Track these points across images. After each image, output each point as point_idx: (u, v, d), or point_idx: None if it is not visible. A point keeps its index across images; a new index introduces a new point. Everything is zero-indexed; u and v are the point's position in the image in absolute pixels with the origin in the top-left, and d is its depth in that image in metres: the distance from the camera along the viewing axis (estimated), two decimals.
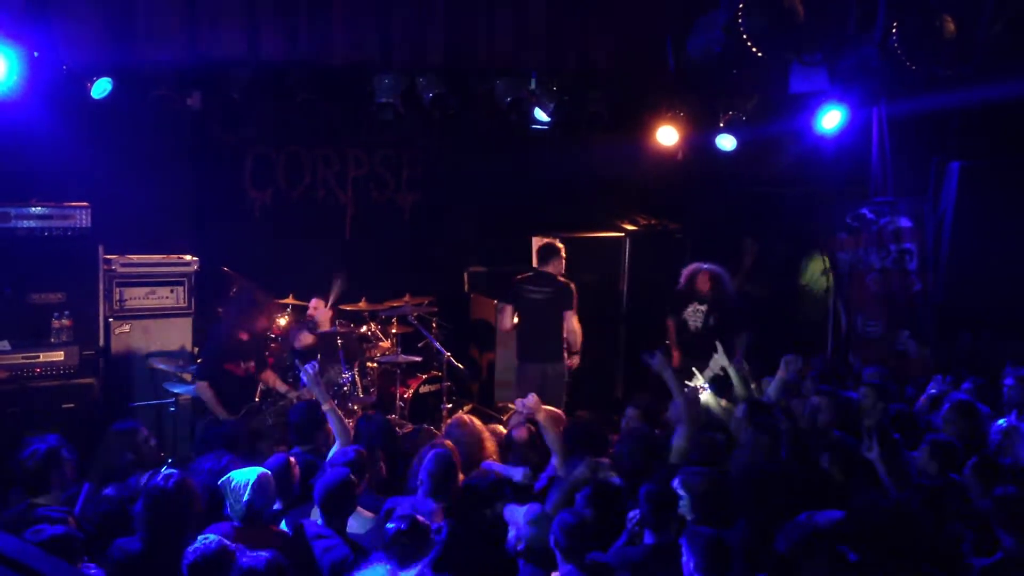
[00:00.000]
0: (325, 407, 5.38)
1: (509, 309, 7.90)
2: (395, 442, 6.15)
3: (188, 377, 7.08)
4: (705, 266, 8.26)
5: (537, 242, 8.96)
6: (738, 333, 8.08)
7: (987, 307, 8.15)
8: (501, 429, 5.96)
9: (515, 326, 7.93)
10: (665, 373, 5.64)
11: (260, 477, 4.39)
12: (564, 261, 7.92)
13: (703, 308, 8.19)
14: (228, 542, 3.72)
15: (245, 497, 4.29)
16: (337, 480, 4.50)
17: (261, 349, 7.23)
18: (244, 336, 6.84)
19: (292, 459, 4.92)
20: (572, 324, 7.81)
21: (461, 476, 5.05)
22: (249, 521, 4.32)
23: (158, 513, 4.04)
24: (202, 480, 4.62)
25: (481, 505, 4.72)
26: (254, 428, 6.39)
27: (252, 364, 6.89)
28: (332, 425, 5.36)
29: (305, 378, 5.61)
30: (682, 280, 8.31)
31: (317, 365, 5.68)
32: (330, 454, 5.29)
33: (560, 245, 8.06)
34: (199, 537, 3.78)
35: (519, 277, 7.93)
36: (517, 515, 4.34)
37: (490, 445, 5.64)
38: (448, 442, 5.40)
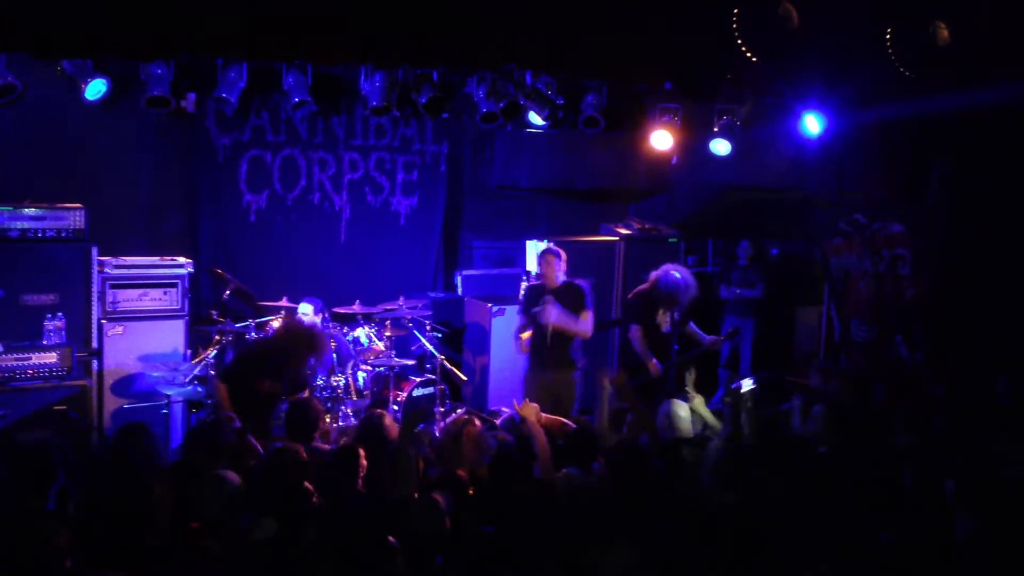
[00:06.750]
0: None
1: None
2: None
3: (182, 378, 7.07)
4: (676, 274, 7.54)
5: (532, 246, 8.96)
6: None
7: (980, 312, 8.16)
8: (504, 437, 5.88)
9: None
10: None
11: None
12: (558, 266, 7.69)
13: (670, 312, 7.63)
14: None
15: None
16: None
17: (299, 373, 6.85)
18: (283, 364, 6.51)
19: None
20: (585, 324, 7.45)
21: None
22: None
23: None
24: None
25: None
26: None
27: (279, 386, 6.51)
28: None
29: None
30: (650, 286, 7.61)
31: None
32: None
33: (551, 251, 7.79)
34: None
35: (531, 286, 7.76)
36: None
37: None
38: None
